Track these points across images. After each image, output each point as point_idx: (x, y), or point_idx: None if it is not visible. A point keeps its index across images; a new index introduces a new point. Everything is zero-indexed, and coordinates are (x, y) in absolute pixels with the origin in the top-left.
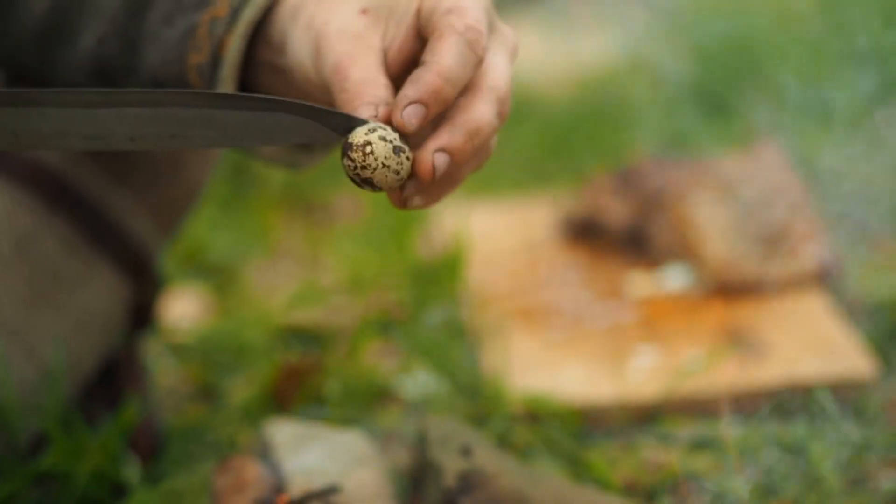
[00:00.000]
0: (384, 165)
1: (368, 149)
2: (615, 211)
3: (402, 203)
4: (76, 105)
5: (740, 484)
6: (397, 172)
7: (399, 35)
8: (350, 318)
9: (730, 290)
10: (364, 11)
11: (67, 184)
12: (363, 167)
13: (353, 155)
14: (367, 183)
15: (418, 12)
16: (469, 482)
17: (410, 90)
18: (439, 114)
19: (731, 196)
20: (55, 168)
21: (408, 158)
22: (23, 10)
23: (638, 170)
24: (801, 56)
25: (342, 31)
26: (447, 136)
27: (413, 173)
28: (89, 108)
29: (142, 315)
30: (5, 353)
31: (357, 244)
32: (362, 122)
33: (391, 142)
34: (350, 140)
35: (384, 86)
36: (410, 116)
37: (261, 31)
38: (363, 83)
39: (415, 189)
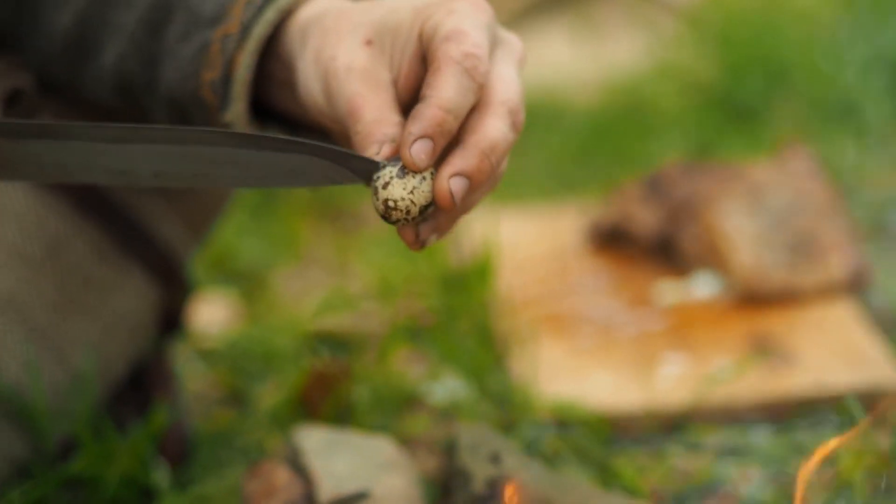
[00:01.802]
0: (407, 210)
1: (391, 203)
2: (643, 218)
3: (420, 245)
4: (102, 140)
5: (768, 492)
6: (424, 206)
7: (405, 63)
8: (379, 325)
9: (758, 298)
10: (369, 42)
11: (98, 189)
12: (391, 210)
13: (377, 203)
14: (395, 222)
15: (420, 38)
16: (497, 488)
17: (414, 127)
18: (447, 144)
19: (759, 204)
20: None
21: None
22: (48, 25)
23: (666, 177)
24: (830, 62)
25: (350, 69)
26: (460, 160)
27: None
28: (116, 142)
29: (171, 320)
30: (36, 357)
31: (385, 251)
32: (384, 165)
33: (411, 182)
34: (373, 188)
35: (395, 124)
36: (419, 153)
37: (272, 48)
38: (375, 123)
39: (430, 228)
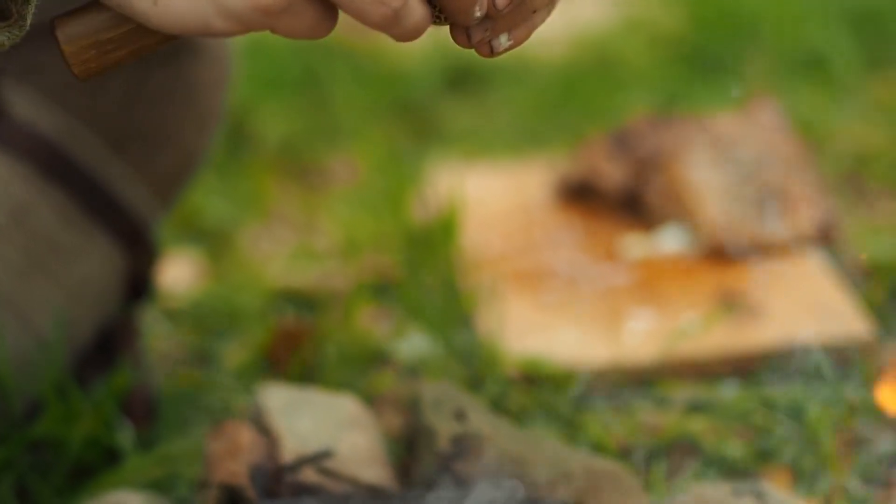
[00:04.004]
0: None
1: None
2: (610, 173)
3: (489, 50)
4: None
5: (737, 447)
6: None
7: None
8: (344, 282)
9: (726, 252)
10: None
11: (63, 154)
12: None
13: None
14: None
15: None
16: (463, 446)
17: None
18: None
19: (727, 157)
20: (51, 138)
21: None
22: None
23: (633, 131)
24: (798, 15)
25: None
26: None
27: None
28: None
29: (138, 285)
30: (1, 322)
31: (352, 208)
32: None
33: None
34: None
35: None
36: None
37: None
38: None
39: (488, 28)
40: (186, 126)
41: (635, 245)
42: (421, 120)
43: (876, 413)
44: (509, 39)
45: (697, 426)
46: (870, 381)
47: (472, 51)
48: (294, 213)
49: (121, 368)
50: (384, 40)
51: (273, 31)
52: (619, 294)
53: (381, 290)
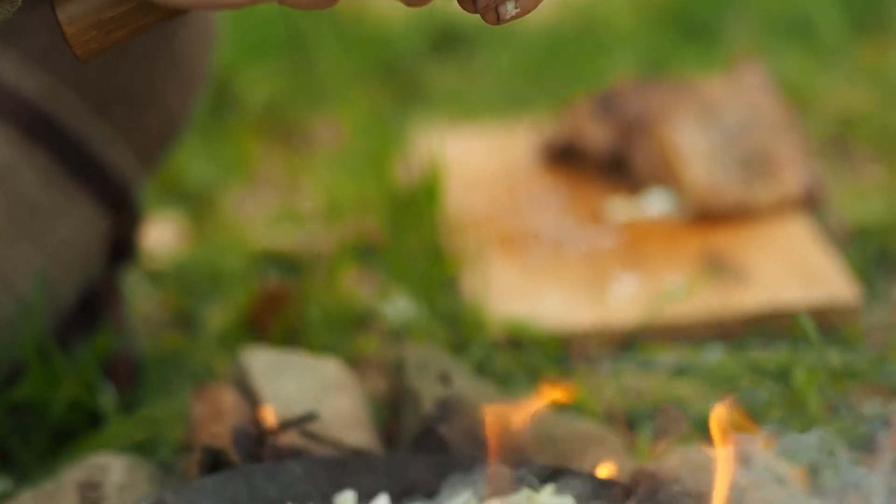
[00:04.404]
0: None
1: None
2: (595, 136)
3: (495, 17)
4: None
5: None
6: None
7: None
8: (328, 245)
9: (711, 215)
10: None
11: (46, 116)
12: None
13: None
14: None
15: None
16: (447, 409)
17: None
18: None
19: (712, 120)
20: (33, 99)
21: None
22: None
23: (618, 94)
24: None
25: None
26: None
27: None
28: None
29: (121, 248)
30: None
31: (335, 170)
32: None
33: None
34: None
35: None
36: None
37: None
38: None
39: None
40: (170, 88)
41: (620, 208)
42: (405, 82)
43: (862, 376)
44: (516, 7)
45: (682, 390)
46: (855, 344)
47: (456, 12)
48: (278, 175)
49: (103, 331)
50: (369, 2)
51: (280, 2)
52: (604, 257)
53: (365, 252)
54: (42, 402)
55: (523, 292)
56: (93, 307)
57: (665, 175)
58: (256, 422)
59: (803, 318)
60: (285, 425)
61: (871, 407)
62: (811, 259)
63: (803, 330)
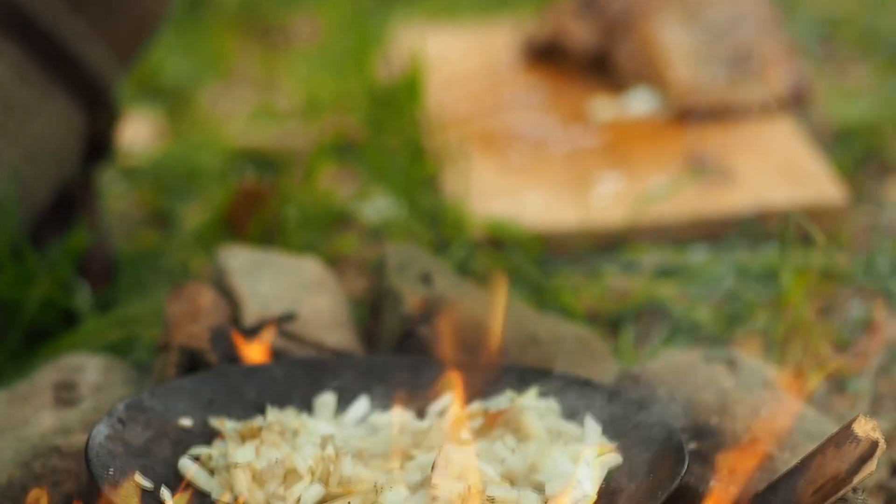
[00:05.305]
0: None
1: None
2: (578, 33)
3: None
4: None
5: (705, 312)
6: None
7: None
8: (306, 142)
9: (696, 114)
10: None
11: (20, 9)
12: None
13: None
14: None
15: None
16: (429, 309)
17: None
18: None
19: (697, 17)
20: None
21: None
22: None
23: None
24: None
25: None
26: None
27: None
28: None
29: (97, 145)
30: None
31: (314, 66)
32: None
33: None
34: None
35: None
36: None
37: None
38: None
39: None
40: None
41: (603, 107)
42: None
43: (849, 279)
44: None
45: (666, 291)
46: (842, 245)
47: None
48: (255, 71)
49: (78, 229)
50: None
51: None
52: (587, 156)
53: (344, 150)
54: (15, 301)
55: (505, 191)
56: (68, 205)
57: (649, 73)
58: (235, 321)
59: (789, 219)
60: (264, 325)
61: (857, 309)
62: (797, 159)
63: (789, 231)
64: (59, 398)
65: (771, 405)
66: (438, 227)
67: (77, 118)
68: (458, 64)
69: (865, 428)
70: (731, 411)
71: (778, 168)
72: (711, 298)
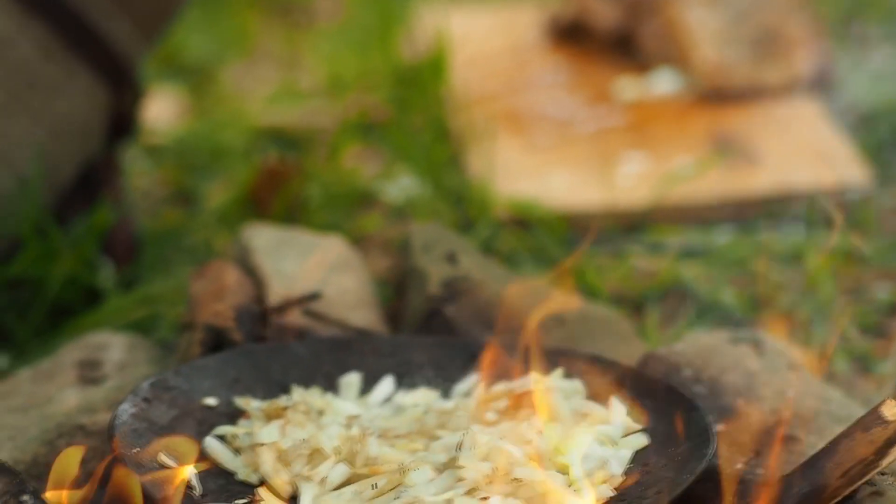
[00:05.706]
0: None
1: None
2: (603, 13)
3: None
4: None
5: (730, 293)
6: None
7: None
8: (330, 121)
9: (720, 95)
10: None
11: None
12: None
13: None
14: None
15: None
16: (454, 289)
17: None
18: None
19: None
20: None
21: None
22: None
23: None
24: None
25: None
26: None
27: None
28: None
29: (121, 123)
30: None
31: (337, 45)
32: None
33: None
34: None
35: None
36: None
37: None
38: None
39: None
40: None
41: (628, 87)
42: None
43: (874, 261)
44: None
45: (691, 272)
46: (868, 227)
47: None
48: (278, 49)
49: (102, 207)
50: None
51: None
52: (612, 137)
53: (368, 129)
54: (40, 279)
55: (530, 171)
56: (92, 183)
57: (673, 54)
58: (259, 300)
59: (815, 201)
60: (289, 304)
61: (882, 291)
62: (822, 141)
63: (815, 212)
64: (83, 376)
65: (797, 387)
66: (463, 206)
67: (101, 96)
68: (483, 43)
69: (894, 411)
70: (757, 393)
71: (803, 149)
72: (737, 280)
